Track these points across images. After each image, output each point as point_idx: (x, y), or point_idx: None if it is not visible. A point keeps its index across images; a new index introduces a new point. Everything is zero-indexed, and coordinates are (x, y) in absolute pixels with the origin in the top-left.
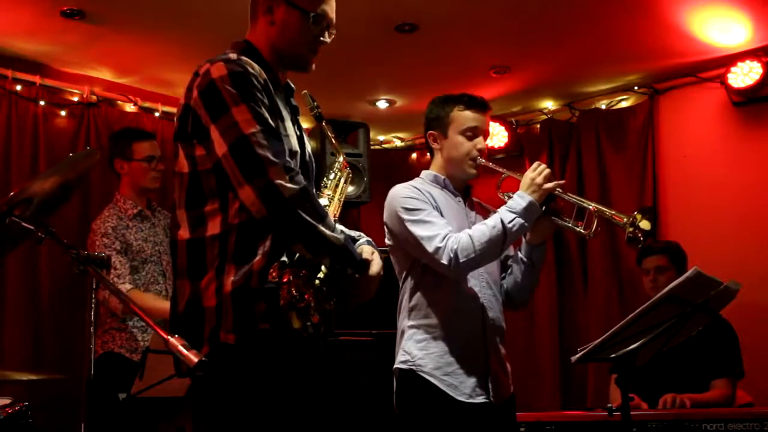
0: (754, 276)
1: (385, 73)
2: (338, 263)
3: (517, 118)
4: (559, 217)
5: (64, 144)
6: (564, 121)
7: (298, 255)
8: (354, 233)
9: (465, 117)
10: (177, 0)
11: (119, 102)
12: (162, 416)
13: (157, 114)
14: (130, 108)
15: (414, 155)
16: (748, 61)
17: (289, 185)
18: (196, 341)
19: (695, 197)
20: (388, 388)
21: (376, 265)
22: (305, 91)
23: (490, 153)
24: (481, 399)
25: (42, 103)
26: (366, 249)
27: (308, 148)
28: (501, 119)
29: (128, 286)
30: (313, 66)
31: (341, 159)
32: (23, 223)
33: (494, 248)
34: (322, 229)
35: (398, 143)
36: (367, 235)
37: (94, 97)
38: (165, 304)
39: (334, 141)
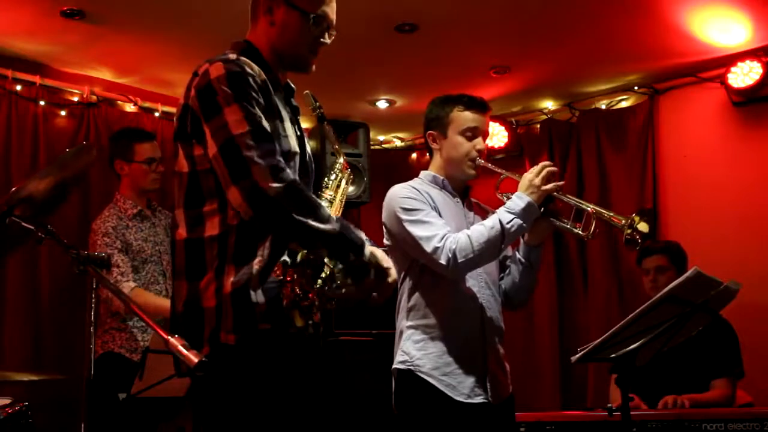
0: (754, 276)
1: (385, 73)
2: (336, 252)
3: (517, 118)
4: (558, 219)
5: (64, 144)
6: (564, 121)
7: (300, 255)
8: None
9: (465, 117)
10: (177, 0)
11: (119, 102)
12: (162, 416)
13: (157, 114)
14: (130, 108)
15: (414, 155)
16: (748, 61)
17: (273, 185)
18: (195, 342)
19: (695, 197)
20: (388, 388)
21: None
22: (307, 91)
23: (490, 153)
24: (479, 399)
25: (42, 103)
26: (378, 253)
27: (308, 148)
28: (501, 119)
29: (132, 284)
30: (314, 67)
31: (342, 160)
32: (23, 223)
33: (492, 249)
34: (312, 223)
35: (398, 143)
36: (367, 236)
37: (94, 97)
38: (168, 303)
39: (336, 144)
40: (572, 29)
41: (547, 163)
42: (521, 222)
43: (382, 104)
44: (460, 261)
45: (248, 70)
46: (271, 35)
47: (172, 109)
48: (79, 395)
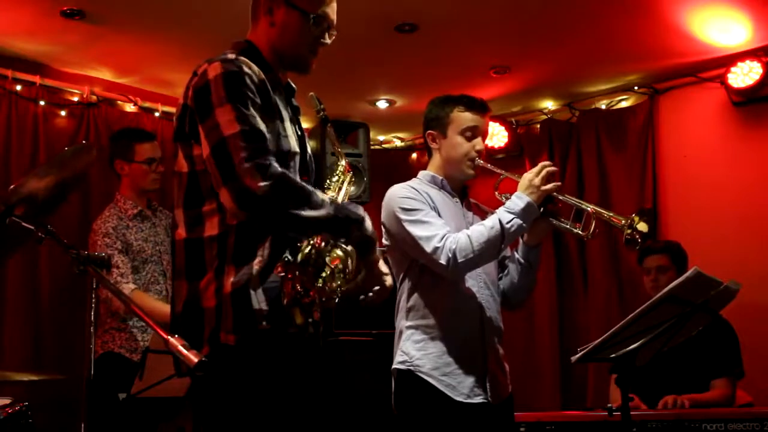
0: (754, 276)
1: (385, 73)
2: (339, 231)
3: (517, 118)
4: (557, 219)
5: (64, 144)
6: (564, 121)
7: (300, 255)
8: None
9: (464, 118)
10: (177, 0)
11: (119, 102)
12: (162, 416)
13: (157, 114)
14: (130, 108)
15: (414, 155)
16: (748, 61)
17: (261, 184)
18: (195, 342)
19: (695, 197)
20: (388, 388)
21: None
22: (312, 93)
23: (490, 153)
24: (479, 399)
25: (42, 103)
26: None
27: (309, 148)
28: (501, 119)
29: (132, 286)
30: (314, 67)
31: (344, 163)
32: (23, 223)
33: (492, 249)
34: (308, 213)
35: (398, 143)
36: None
37: (94, 97)
38: (167, 308)
39: (338, 147)
40: (572, 29)
41: (546, 163)
42: (521, 222)
43: (382, 104)
44: (460, 261)
45: (246, 69)
46: (271, 35)
47: (172, 109)
48: (79, 395)
